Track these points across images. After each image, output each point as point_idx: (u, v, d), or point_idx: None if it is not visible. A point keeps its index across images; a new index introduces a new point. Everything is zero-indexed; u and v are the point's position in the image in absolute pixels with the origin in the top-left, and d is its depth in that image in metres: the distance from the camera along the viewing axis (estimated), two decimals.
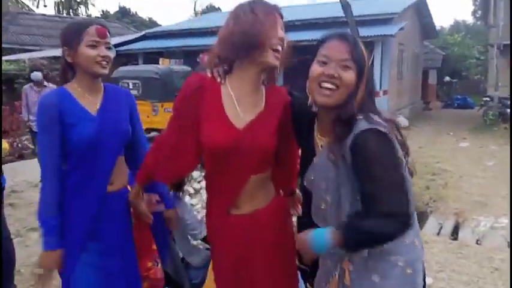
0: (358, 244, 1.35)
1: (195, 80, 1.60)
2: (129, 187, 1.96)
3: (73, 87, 1.81)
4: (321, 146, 1.50)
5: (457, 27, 38.08)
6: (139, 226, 1.98)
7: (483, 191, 6.06)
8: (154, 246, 2.10)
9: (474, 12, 33.99)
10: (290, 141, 1.69)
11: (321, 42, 1.44)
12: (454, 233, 4.93)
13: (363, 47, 1.41)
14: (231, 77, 1.56)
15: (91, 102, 1.82)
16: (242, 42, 1.45)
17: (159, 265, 2.16)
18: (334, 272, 1.49)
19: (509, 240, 4.50)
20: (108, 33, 1.80)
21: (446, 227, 5.07)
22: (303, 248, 1.43)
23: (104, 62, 1.77)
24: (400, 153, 1.36)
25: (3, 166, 2.89)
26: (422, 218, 5.49)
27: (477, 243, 4.54)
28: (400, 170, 1.33)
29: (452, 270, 3.66)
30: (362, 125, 1.33)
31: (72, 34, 1.77)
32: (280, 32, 1.50)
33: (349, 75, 1.37)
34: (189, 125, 1.57)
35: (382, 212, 1.28)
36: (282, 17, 1.55)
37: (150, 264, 2.06)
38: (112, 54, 1.81)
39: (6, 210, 5.08)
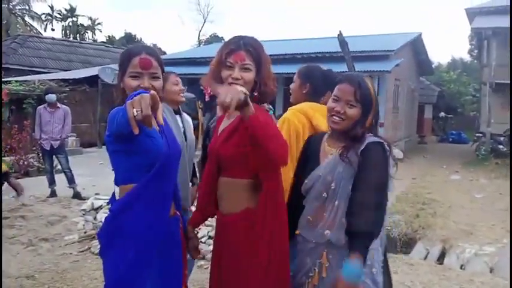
0: (367, 247, 1.66)
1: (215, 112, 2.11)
2: (178, 213, 1.94)
3: None
4: (330, 154, 1.88)
5: (454, 64, 38.99)
6: (184, 249, 2.00)
7: (470, 220, 6.37)
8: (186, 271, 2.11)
9: (470, 51, 34.98)
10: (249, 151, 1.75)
11: (336, 83, 1.89)
12: (440, 259, 5.22)
13: (369, 86, 1.84)
14: None
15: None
16: (210, 85, 1.89)
17: None
18: (313, 267, 1.82)
19: (491, 266, 4.79)
20: (153, 63, 1.76)
21: (432, 252, 5.35)
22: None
23: None
24: (391, 168, 1.79)
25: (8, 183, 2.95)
26: (411, 243, 5.78)
27: (461, 268, 4.82)
28: (385, 188, 1.76)
29: None
30: (372, 139, 1.78)
31: (121, 63, 1.78)
32: (235, 72, 1.78)
33: (353, 112, 1.80)
34: None
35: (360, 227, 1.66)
36: (248, 51, 1.79)
37: None
38: (158, 84, 1.77)
39: (18, 222, 5.41)
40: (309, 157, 1.95)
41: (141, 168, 1.68)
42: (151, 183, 1.68)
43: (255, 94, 1.83)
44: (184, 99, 2.97)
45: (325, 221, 1.79)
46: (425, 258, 5.24)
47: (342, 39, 7.68)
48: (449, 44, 79.62)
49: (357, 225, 1.65)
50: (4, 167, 2.85)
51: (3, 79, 13.66)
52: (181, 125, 2.91)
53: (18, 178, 8.63)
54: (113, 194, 1.84)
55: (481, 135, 15.25)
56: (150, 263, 1.73)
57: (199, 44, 35.86)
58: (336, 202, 1.76)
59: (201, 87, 2.32)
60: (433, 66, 23.79)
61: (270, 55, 1.94)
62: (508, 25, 12.99)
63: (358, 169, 1.73)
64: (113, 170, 1.77)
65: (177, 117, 2.91)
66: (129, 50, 1.82)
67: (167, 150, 1.73)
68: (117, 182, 1.79)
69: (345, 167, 1.76)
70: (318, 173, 1.83)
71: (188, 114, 3.17)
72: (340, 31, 7.70)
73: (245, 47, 1.79)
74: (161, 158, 1.69)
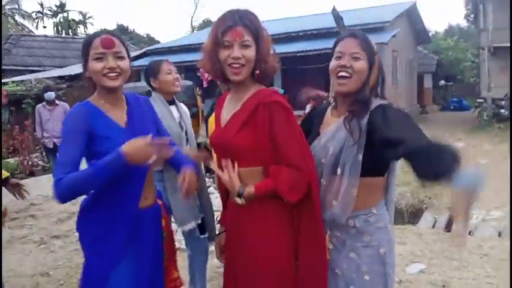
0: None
1: (218, 98, 1.93)
2: (159, 201, 1.95)
3: (97, 101, 1.76)
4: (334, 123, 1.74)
5: (451, 31, 38.47)
6: (169, 237, 2.00)
7: None
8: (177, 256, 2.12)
9: (467, 16, 34.54)
10: (265, 140, 1.64)
11: (336, 42, 1.75)
12: (448, 226, 5.26)
13: (370, 40, 1.73)
14: None
15: (117, 115, 1.78)
16: (207, 69, 1.73)
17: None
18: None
19: (499, 230, 4.83)
20: (116, 42, 1.71)
21: (440, 221, 5.41)
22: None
23: (112, 74, 1.69)
24: None
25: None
26: (418, 214, 5.84)
27: (469, 234, 4.86)
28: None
29: (444, 257, 3.98)
30: (376, 102, 1.64)
31: (83, 49, 1.73)
32: (235, 51, 1.60)
33: (360, 64, 1.65)
34: None
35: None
36: (246, 26, 1.62)
37: (176, 274, 2.06)
38: (124, 63, 1.73)
39: (28, 221, 5.46)
40: (309, 130, 1.79)
41: None
42: (107, 187, 1.69)
43: (257, 72, 1.67)
44: (179, 88, 2.88)
45: (331, 192, 1.65)
46: (433, 226, 5.29)
47: (336, 14, 7.61)
48: (445, 11, 78.76)
49: (437, 169, 1.34)
50: (5, 173, 2.65)
51: None
52: (177, 115, 2.84)
53: (24, 179, 8.68)
54: None
55: (482, 101, 15.20)
56: (118, 260, 1.76)
57: (193, 30, 35.54)
58: (339, 170, 1.62)
59: (198, 74, 2.21)
60: (430, 34, 23.57)
61: None
62: None
63: (374, 131, 1.54)
64: None
65: (173, 107, 2.84)
66: (89, 36, 1.77)
67: None
68: None
69: (346, 133, 1.61)
70: (319, 141, 1.71)
71: (187, 101, 3.13)
72: (334, 6, 7.62)
73: (242, 21, 1.61)
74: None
